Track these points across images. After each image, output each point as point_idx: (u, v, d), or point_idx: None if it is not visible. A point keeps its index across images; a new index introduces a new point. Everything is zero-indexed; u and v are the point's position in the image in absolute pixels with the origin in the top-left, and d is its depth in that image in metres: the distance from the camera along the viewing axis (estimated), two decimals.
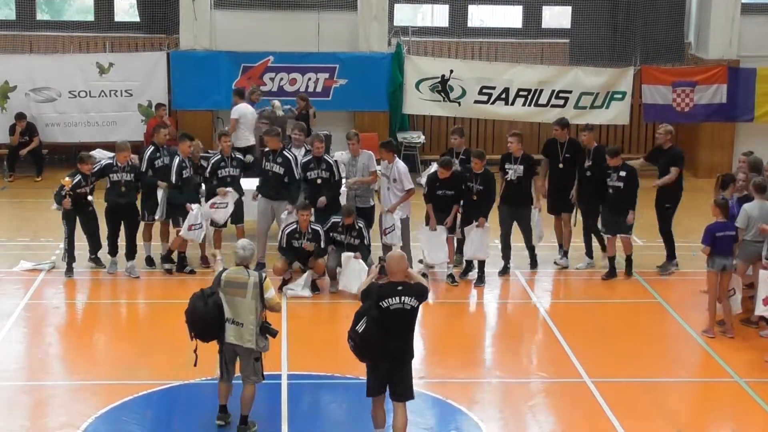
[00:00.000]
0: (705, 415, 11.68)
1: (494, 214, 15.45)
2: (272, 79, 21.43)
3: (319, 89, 21.42)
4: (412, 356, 10.08)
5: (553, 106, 21.35)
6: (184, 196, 15.19)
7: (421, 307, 9.97)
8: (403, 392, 10.02)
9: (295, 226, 14.62)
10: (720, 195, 14.06)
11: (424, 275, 14.40)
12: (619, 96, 21.44)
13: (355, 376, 11.30)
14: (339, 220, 14.81)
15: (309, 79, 21.43)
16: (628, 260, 15.40)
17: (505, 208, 15.48)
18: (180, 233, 15.17)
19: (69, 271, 15.17)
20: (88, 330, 13.90)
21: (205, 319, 10.29)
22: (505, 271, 15.62)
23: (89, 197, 15.15)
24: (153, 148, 15.57)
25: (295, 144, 16.07)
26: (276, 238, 15.14)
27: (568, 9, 22.32)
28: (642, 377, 12.23)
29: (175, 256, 15.48)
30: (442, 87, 21.42)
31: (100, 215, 15.32)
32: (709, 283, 13.46)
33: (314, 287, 14.75)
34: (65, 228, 15.04)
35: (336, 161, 15.53)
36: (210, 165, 15.48)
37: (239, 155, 16.19)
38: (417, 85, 21.44)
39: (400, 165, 15.30)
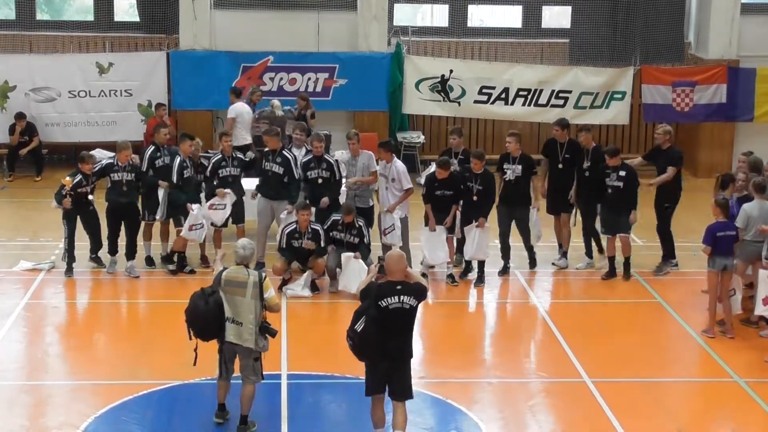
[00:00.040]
0: (705, 415, 11.67)
1: (494, 214, 15.45)
2: (272, 79, 21.43)
3: (318, 89, 21.42)
4: (411, 355, 10.09)
5: (553, 106, 21.35)
6: (186, 195, 15.19)
7: (420, 306, 9.98)
8: (402, 392, 10.03)
9: (294, 226, 14.62)
10: (720, 195, 14.06)
11: (423, 275, 14.44)
12: (619, 96, 21.44)
13: (355, 375, 11.29)
14: (339, 218, 14.82)
15: (309, 78, 21.43)
16: (626, 263, 15.35)
17: (504, 208, 15.48)
18: (181, 233, 15.17)
19: (69, 270, 15.17)
20: (88, 330, 13.90)
21: (206, 318, 10.30)
22: (505, 271, 15.62)
23: (89, 197, 15.14)
24: (154, 147, 15.56)
25: (296, 144, 16.07)
26: (275, 237, 15.15)
27: (568, 9, 22.32)
28: (642, 377, 12.23)
29: (175, 256, 15.48)
30: (442, 87, 21.41)
31: (102, 215, 15.31)
32: (709, 283, 13.46)
33: (314, 287, 14.75)
34: (65, 228, 15.03)
35: (336, 160, 15.53)
36: (211, 164, 15.47)
37: (240, 155, 16.20)
38: (417, 85, 21.44)
39: (399, 164, 15.30)
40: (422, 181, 15.90)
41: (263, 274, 10.49)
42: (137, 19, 22.43)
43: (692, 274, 15.56)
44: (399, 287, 9.83)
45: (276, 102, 19.59)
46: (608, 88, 21.38)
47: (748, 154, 14.96)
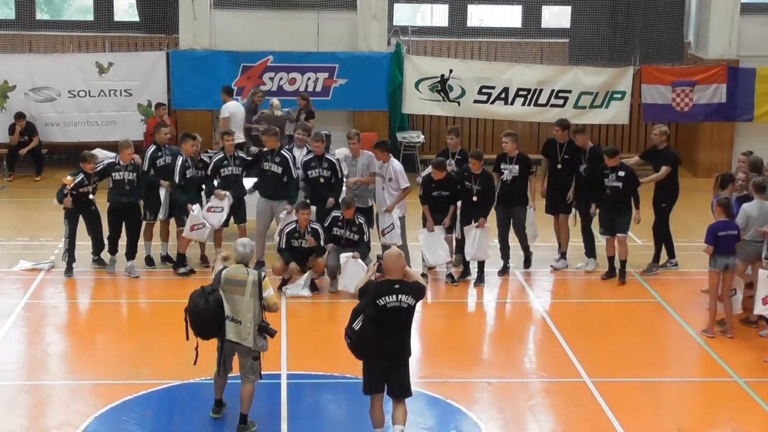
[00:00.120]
0: (705, 415, 11.67)
1: (493, 214, 15.45)
2: (272, 79, 21.44)
3: (318, 89, 21.42)
4: (409, 354, 10.10)
5: (553, 105, 21.35)
6: (187, 195, 15.17)
7: (420, 306, 9.99)
8: (401, 390, 10.05)
9: (294, 225, 14.62)
10: (720, 194, 14.05)
11: (423, 275, 14.45)
12: (619, 96, 21.44)
13: (355, 375, 11.26)
14: (339, 214, 14.83)
15: (308, 78, 21.44)
16: (622, 266, 15.30)
17: (501, 208, 15.47)
18: (183, 234, 15.16)
19: (68, 270, 15.16)
20: (88, 329, 13.91)
21: (206, 317, 10.31)
22: (504, 271, 15.62)
23: (90, 196, 15.12)
24: (155, 147, 15.55)
25: (297, 144, 16.06)
26: (274, 237, 15.15)
27: (568, 9, 22.33)
28: (642, 377, 12.23)
29: (174, 255, 15.49)
30: (442, 87, 21.42)
31: (104, 215, 15.29)
32: (710, 283, 13.45)
33: (313, 287, 14.75)
34: (67, 228, 15.02)
35: (338, 159, 15.54)
36: (212, 163, 15.45)
37: (242, 154, 16.20)
38: (416, 84, 21.45)
39: (396, 164, 15.31)
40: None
41: (262, 273, 10.51)
42: (137, 18, 22.45)
43: (692, 274, 15.57)
44: (397, 286, 9.83)
45: (275, 101, 19.59)
46: (608, 88, 21.37)
47: (747, 154, 14.96)
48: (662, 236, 15.82)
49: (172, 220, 15.60)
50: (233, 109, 19.60)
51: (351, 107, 21.72)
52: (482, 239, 15.02)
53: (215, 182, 15.48)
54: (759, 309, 13.05)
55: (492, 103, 21.46)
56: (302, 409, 11.22)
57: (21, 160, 21.14)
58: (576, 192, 15.67)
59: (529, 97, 21.40)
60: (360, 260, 14.53)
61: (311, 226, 14.60)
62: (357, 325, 9.85)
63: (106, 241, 15.37)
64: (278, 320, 12.91)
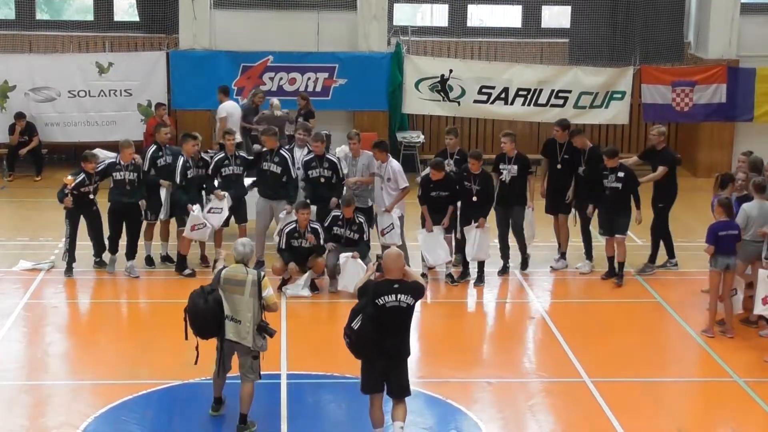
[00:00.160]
0: (705, 415, 11.67)
1: (493, 215, 15.44)
2: (272, 79, 21.45)
3: (318, 89, 21.42)
4: (408, 354, 10.11)
5: (553, 105, 21.35)
6: (188, 195, 15.17)
7: (420, 306, 10.00)
8: (400, 390, 10.06)
9: (294, 225, 14.62)
10: (720, 194, 14.05)
11: (423, 275, 14.45)
12: (619, 96, 21.44)
13: (355, 375, 11.23)
14: (339, 214, 14.83)
15: (308, 78, 21.45)
16: (620, 267, 15.28)
17: (500, 208, 15.46)
18: (183, 234, 15.16)
19: (68, 270, 15.16)
20: (88, 329, 13.91)
21: (205, 316, 10.31)
22: (504, 271, 15.62)
23: (91, 196, 15.10)
24: (155, 147, 15.55)
25: (298, 144, 16.06)
26: (273, 237, 15.15)
27: (568, 9, 22.33)
28: (642, 377, 12.23)
29: (174, 255, 15.49)
30: (442, 86, 21.42)
31: (104, 215, 15.28)
32: (711, 283, 13.44)
33: (313, 287, 14.75)
34: (68, 227, 15.01)
35: (339, 158, 15.54)
36: (214, 163, 15.45)
37: (243, 153, 16.20)
38: (416, 84, 21.45)
39: (394, 164, 15.31)
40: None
41: (262, 273, 10.51)
42: (137, 18, 22.45)
43: (692, 274, 15.57)
44: (396, 286, 9.84)
45: (275, 101, 19.59)
46: (608, 88, 21.38)
47: (747, 154, 14.96)
48: (661, 236, 15.81)
49: (172, 220, 15.60)
50: (230, 108, 19.63)
51: (351, 107, 21.72)
52: (483, 239, 15.02)
53: (216, 182, 15.47)
54: (759, 309, 13.05)
55: (492, 103, 21.47)
56: (302, 409, 11.21)
57: (21, 160, 21.14)
58: (575, 192, 15.66)
59: (529, 97, 21.40)
60: (359, 260, 14.53)
61: (311, 225, 14.60)
62: (356, 325, 9.86)
63: (106, 242, 15.35)
64: (278, 320, 12.91)
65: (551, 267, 15.93)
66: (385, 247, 14.99)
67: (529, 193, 15.50)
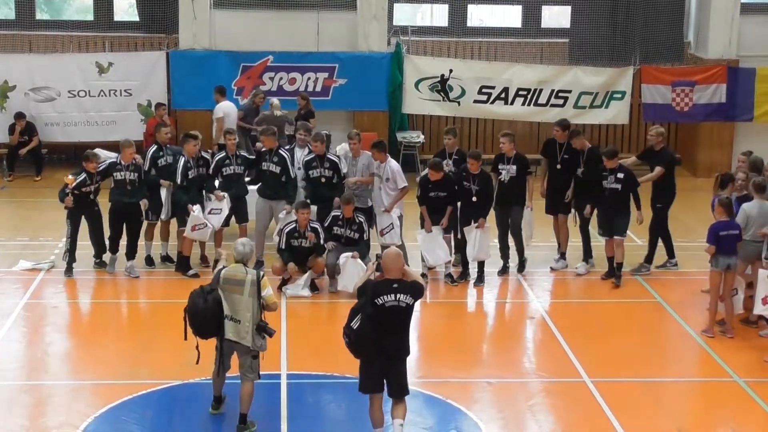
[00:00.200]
0: (705, 415, 11.67)
1: (492, 214, 15.44)
2: (272, 79, 21.45)
3: (318, 89, 21.43)
4: (407, 353, 10.12)
5: (553, 105, 21.35)
6: (189, 195, 15.16)
7: (419, 306, 9.99)
8: (399, 389, 10.07)
9: (294, 225, 14.62)
10: (720, 194, 14.05)
11: (423, 275, 14.45)
12: (619, 95, 21.44)
13: (355, 375, 11.25)
14: (339, 213, 14.84)
15: (308, 78, 21.45)
16: (618, 268, 15.25)
17: (499, 208, 15.46)
18: (184, 234, 15.15)
19: (69, 270, 15.16)
20: (88, 329, 13.91)
21: (204, 316, 10.32)
22: (504, 271, 15.61)
23: (92, 196, 15.09)
24: (156, 146, 15.55)
25: (299, 144, 16.06)
26: (273, 237, 15.14)
27: (568, 9, 22.34)
28: (641, 377, 12.23)
29: (174, 255, 15.49)
30: (442, 86, 21.42)
31: (105, 215, 15.27)
32: (711, 283, 13.44)
33: (313, 287, 14.75)
34: (69, 227, 15.00)
35: (339, 157, 15.54)
36: (214, 162, 15.44)
37: (244, 153, 16.20)
38: (416, 84, 21.45)
39: (393, 164, 15.31)
40: None
41: (261, 273, 10.52)
42: (137, 18, 22.45)
43: (692, 274, 15.57)
44: (395, 285, 9.84)
45: (275, 101, 19.59)
46: (608, 88, 21.38)
47: (747, 154, 14.96)
48: (660, 237, 15.80)
49: (173, 220, 15.59)
50: (227, 108, 19.66)
51: (351, 107, 21.72)
52: (483, 240, 15.02)
53: (217, 181, 15.46)
54: (759, 309, 13.05)
55: (492, 103, 21.47)
56: (302, 409, 11.22)
57: (21, 160, 21.14)
58: (574, 192, 15.66)
59: (529, 97, 21.40)
60: (359, 260, 14.53)
61: (311, 225, 14.60)
62: (355, 324, 9.87)
63: (107, 242, 15.35)
64: (278, 320, 12.91)
65: (551, 267, 15.93)
66: (384, 247, 15.00)
67: (528, 193, 15.49)
